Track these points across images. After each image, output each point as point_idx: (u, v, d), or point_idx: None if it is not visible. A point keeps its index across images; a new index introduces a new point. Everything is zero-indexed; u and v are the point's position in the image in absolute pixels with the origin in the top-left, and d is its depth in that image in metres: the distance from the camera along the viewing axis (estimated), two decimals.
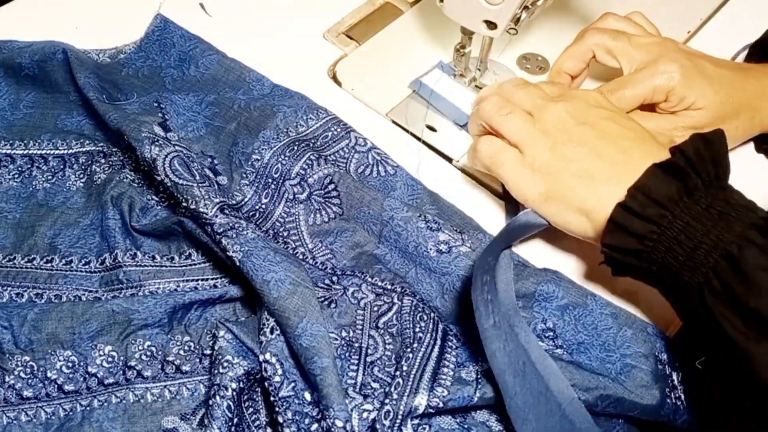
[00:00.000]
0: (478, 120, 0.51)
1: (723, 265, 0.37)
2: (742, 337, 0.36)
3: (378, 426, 0.41)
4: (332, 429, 0.40)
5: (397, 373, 0.43)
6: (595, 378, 0.44)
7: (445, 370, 0.44)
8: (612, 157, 0.44)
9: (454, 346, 0.46)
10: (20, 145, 0.58)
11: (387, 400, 0.42)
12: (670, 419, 0.46)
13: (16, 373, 0.46)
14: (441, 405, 0.42)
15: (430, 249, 0.50)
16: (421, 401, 0.42)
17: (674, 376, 0.46)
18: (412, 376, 0.43)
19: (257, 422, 0.44)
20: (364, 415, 0.42)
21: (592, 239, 0.45)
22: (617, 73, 0.55)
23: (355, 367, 0.44)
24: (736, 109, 0.51)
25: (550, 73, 0.59)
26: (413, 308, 0.47)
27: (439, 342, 0.45)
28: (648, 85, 0.51)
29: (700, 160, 0.40)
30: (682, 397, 0.47)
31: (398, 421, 0.41)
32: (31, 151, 0.58)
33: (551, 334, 0.47)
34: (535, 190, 0.46)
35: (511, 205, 0.53)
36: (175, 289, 0.51)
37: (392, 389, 0.42)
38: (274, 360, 0.44)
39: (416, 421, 0.42)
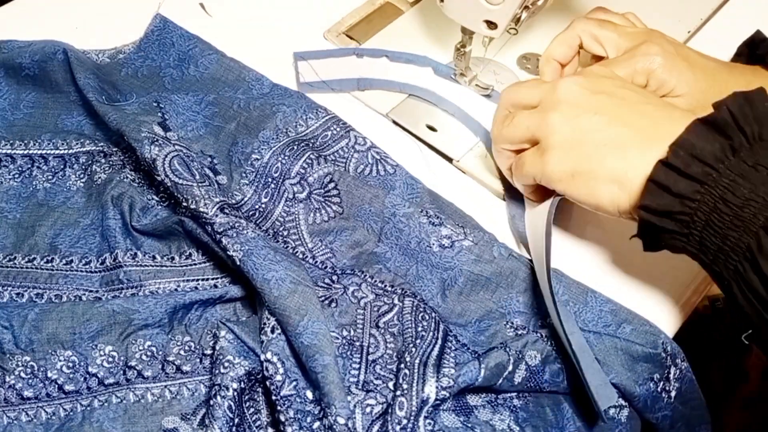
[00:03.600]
0: (499, 147, 0.49)
1: None
2: None
3: (392, 418, 0.41)
4: (334, 426, 0.40)
5: (402, 365, 0.44)
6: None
7: (446, 365, 0.44)
8: (636, 122, 0.42)
9: (453, 347, 0.46)
10: (20, 145, 0.58)
11: (398, 392, 0.42)
12: (647, 405, 0.46)
13: (16, 373, 0.46)
14: (452, 383, 0.43)
15: (433, 244, 0.51)
16: (430, 389, 0.42)
17: (672, 371, 0.47)
18: (416, 366, 0.43)
19: (258, 422, 0.44)
20: (368, 409, 0.42)
21: (625, 212, 0.42)
22: None
23: (357, 366, 0.45)
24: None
25: (541, 60, 0.57)
26: (414, 309, 0.47)
27: (440, 342, 0.45)
28: (628, 67, 0.49)
29: (744, 117, 0.38)
30: (672, 393, 0.47)
31: (413, 411, 0.41)
32: (31, 151, 0.58)
33: (550, 332, 0.48)
34: (560, 170, 0.43)
35: (512, 201, 0.53)
36: (176, 289, 0.51)
37: (401, 380, 0.43)
38: (275, 359, 0.44)
39: (424, 414, 0.42)
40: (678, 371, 0.47)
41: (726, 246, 0.37)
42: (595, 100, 0.43)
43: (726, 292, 0.39)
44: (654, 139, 0.40)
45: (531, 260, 0.50)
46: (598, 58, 0.54)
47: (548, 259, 0.45)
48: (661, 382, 0.46)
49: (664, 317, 0.49)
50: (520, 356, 0.45)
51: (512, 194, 0.53)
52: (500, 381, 0.44)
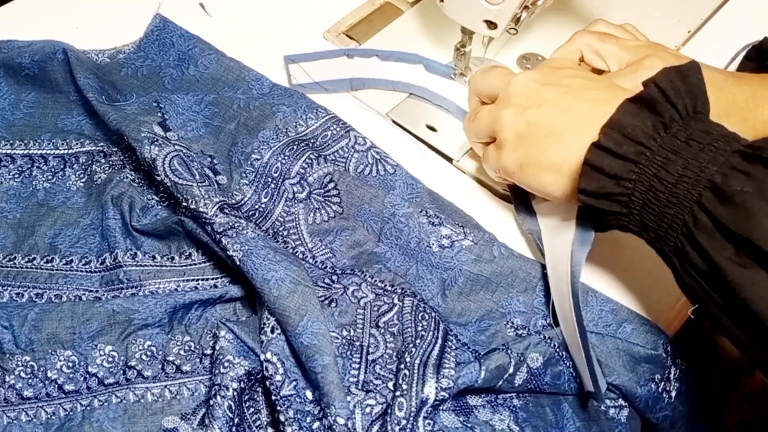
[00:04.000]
0: (470, 141, 0.51)
1: (708, 195, 0.35)
2: (735, 267, 0.34)
3: (392, 418, 0.41)
4: (334, 426, 0.40)
5: (402, 366, 0.44)
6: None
7: (447, 366, 0.44)
8: (577, 108, 0.42)
9: (453, 347, 0.46)
10: (20, 145, 0.58)
11: (398, 392, 0.42)
12: (648, 405, 0.46)
13: (16, 373, 0.46)
14: (452, 384, 0.43)
15: (433, 244, 0.51)
16: (430, 390, 0.42)
17: (672, 371, 0.47)
18: (416, 366, 0.43)
19: (258, 422, 0.44)
20: (367, 410, 0.42)
21: (570, 197, 0.43)
22: None
23: (357, 365, 0.44)
24: (726, 111, 0.50)
25: None
26: (414, 308, 0.47)
27: (440, 341, 0.45)
28: (631, 80, 0.49)
29: (675, 91, 0.38)
30: (673, 393, 0.47)
31: (412, 411, 0.41)
32: (31, 151, 0.58)
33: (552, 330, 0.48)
34: (512, 162, 0.45)
35: (521, 206, 0.52)
36: (176, 289, 0.51)
37: (401, 381, 0.43)
38: (275, 359, 0.44)
39: (423, 414, 0.42)
40: (678, 371, 0.47)
41: (664, 223, 0.37)
42: (542, 92, 0.44)
43: (671, 268, 0.39)
44: (591, 124, 0.40)
45: (531, 259, 0.50)
46: (598, 72, 0.54)
47: (574, 270, 0.45)
48: (662, 383, 0.46)
49: (664, 317, 0.49)
50: (522, 359, 0.45)
51: (517, 196, 0.53)
52: (500, 383, 0.44)
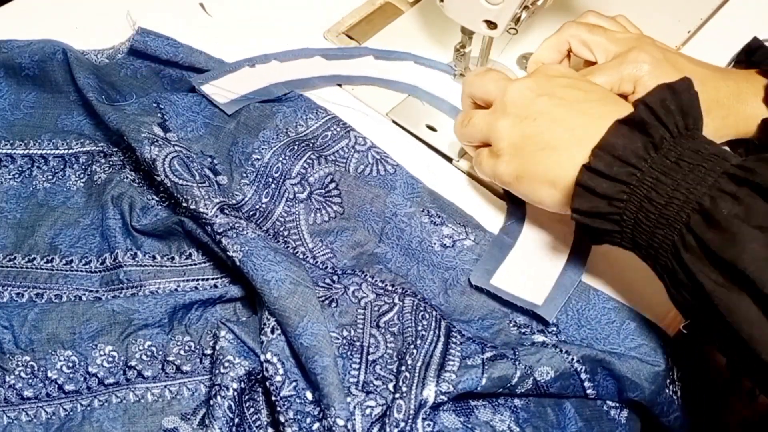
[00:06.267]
0: (462, 143, 0.52)
1: (696, 218, 0.36)
2: (722, 291, 0.34)
3: (390, 420, 0.41)
4: (333, 428, 0.40)
5: (403, 368, 0.43)
6: (602, 353, 0.45)
7: (450, 363, 0.44)
8: (571, 122, 0.43)
9: (458, 342, 0.46)
10: (20, 145, 0.58)
11: (397, 395, 0.42)
12: (663, 410, 0.46)
13: (16, 373, 0.46)
14: (452, 389, 0.42)
15: (435, 243, 0.51)
16: (429, 393, 0.42)
17: (675, 371, 0.47)
18: (417, 368, 0.43)
19: (258, 422, 0.44)
20: (368, 411, 0.42)
21: (565, 209, 0.43)
22: None
23: (357, 366, 0.44)
24: (708, 106, 0.49)
25: (528, 65, 0.57)
26: (414, 308, 0.47)
27: (442, 339, 0.45)
28: (616, 73, 0.50)
29: (665, 110, 0.39)
30: (679, 393, 0.47)
31: (411, 413, 0.41)
32: (31, 151, 0.58)
33: (554, 329, 0.48)
34: (507, 173, 0.46)
35: (513, 206, 0.53)
36: (176, 289, 0.51)
37: (400, 383, 0.42)
38: (275, 360, 0.43)
39: (422, 416, 0.42)
40: (680, 371, 0.47)
41: (655, 243, 0.38)
42: (538, 104, 0.45)
43: (663, 283, 0.40)
44: (584, 140, 0.41)
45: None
46: (590, 63, 0.54)
47: None
48: (671, 385, 0.46)
49: (665, 317, 0.49)
50: (529, 372, 0.44)
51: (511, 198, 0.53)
52: (501, 390, 0.44)
